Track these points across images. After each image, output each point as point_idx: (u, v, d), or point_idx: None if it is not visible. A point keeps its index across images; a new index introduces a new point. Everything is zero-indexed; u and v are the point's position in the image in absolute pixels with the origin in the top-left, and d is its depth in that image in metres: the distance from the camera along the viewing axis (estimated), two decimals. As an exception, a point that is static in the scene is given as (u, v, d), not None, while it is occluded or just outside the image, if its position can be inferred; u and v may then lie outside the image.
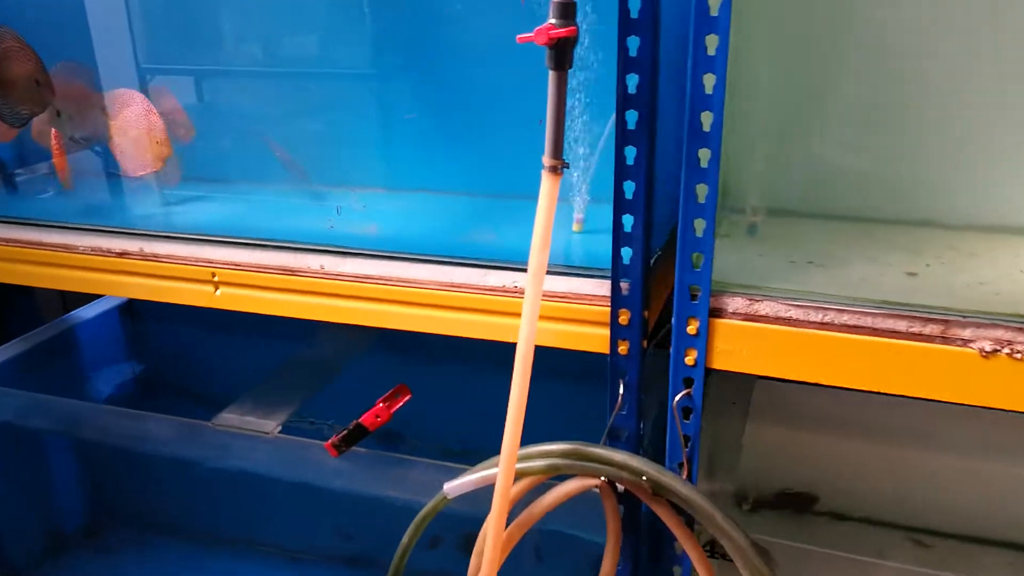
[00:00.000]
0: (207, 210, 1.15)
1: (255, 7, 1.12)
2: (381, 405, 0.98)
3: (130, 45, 1.15)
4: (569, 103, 0.98)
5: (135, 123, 1.00)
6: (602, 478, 0.86)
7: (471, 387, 1.28)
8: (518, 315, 0.89)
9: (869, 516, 1.17)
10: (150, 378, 1.54)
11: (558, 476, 0.88)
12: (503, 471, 0.82)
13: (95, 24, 1.16)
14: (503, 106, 1.08)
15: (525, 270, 0.90)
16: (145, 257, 1.01)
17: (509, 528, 0.89)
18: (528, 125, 1.07)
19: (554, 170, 0.76)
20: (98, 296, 1.49)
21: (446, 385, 1.26)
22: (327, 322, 0.96)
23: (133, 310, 1.51)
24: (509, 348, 0.92)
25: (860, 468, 1.16)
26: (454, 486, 0.91)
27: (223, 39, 1.16)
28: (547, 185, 0.77)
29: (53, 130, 1.05)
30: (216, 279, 0.99)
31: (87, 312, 1.45)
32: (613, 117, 0.95)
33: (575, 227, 0.99)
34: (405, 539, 0.96)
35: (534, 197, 1.10)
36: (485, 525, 0.93)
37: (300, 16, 1.11)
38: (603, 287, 0.86)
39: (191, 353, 1.49)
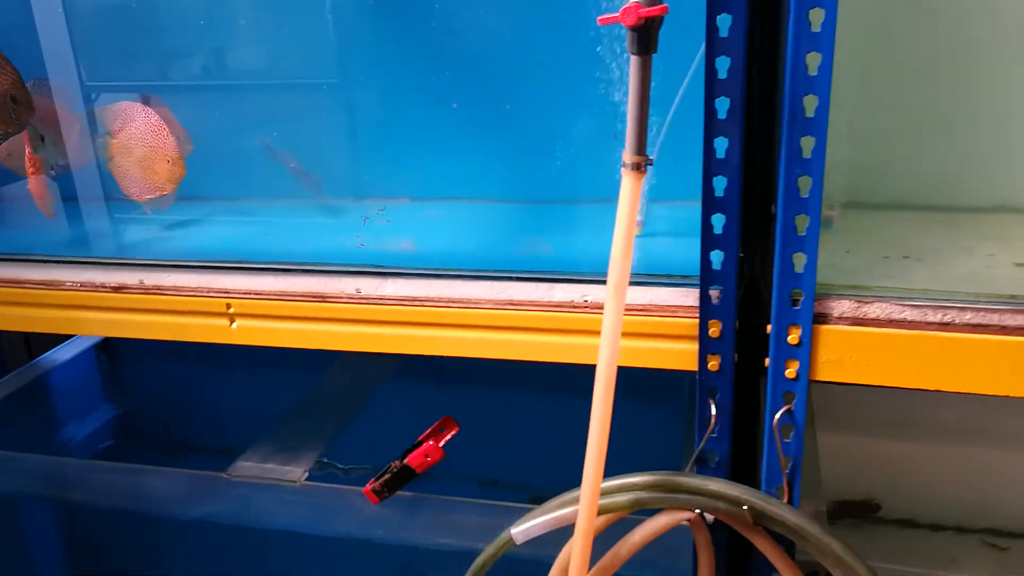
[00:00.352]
0: (212, 233, 1.01)
1: (261, 9, 1.00)
2: (430, 443, 0.87)
3: (114, 55, 1.01)
4: (620, 91, 0.90)
5: (142, 140, 0.85)
6: (696, 510, 0.77)
7: (504, 413, 1.18)
8: (590, 333, 0.80)
9: (937, 521, 1.10)
10: (135, 425, 1.38)
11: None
12: (585, 512, 0.72)
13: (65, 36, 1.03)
14: (532, 106, 0.98)
15: (592, 281, 0.82)
16: (147, 290, 0.88)
17: (591, 573, 0.79)
18: (562, 125, 0.99)
19: (637, 167, 0.67)
20: (68, 336, 1.33)
21: (478, 411, 1.15)
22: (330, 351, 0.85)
23: (110, 348, 1.36)
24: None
25: (924, 470, 1.10)
26: (522, 530, 0.81)
27: (219, 44, 1.03)
28: (628, 185, 0.68)
29: (28, 152, 0.91)
30: (232, 311, 0.86)
31: (59, 355, 1.29)
32: (674, 106, 0.87)
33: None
34: (463, 589, 0.85)
35: (575, 201, 1.02)
36: (555, 571, 0.83)
37: (306, 18, 0.99)
38: (687, 296, 0.77)
39: (180, 394, 1.34)
